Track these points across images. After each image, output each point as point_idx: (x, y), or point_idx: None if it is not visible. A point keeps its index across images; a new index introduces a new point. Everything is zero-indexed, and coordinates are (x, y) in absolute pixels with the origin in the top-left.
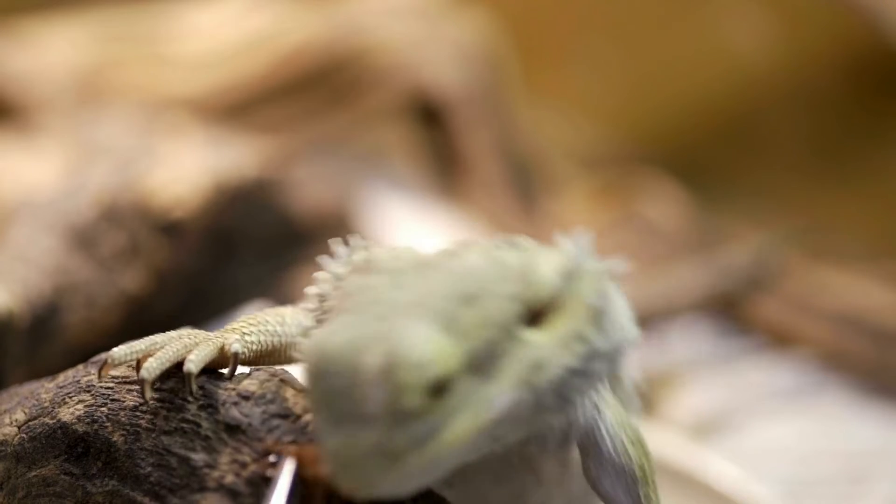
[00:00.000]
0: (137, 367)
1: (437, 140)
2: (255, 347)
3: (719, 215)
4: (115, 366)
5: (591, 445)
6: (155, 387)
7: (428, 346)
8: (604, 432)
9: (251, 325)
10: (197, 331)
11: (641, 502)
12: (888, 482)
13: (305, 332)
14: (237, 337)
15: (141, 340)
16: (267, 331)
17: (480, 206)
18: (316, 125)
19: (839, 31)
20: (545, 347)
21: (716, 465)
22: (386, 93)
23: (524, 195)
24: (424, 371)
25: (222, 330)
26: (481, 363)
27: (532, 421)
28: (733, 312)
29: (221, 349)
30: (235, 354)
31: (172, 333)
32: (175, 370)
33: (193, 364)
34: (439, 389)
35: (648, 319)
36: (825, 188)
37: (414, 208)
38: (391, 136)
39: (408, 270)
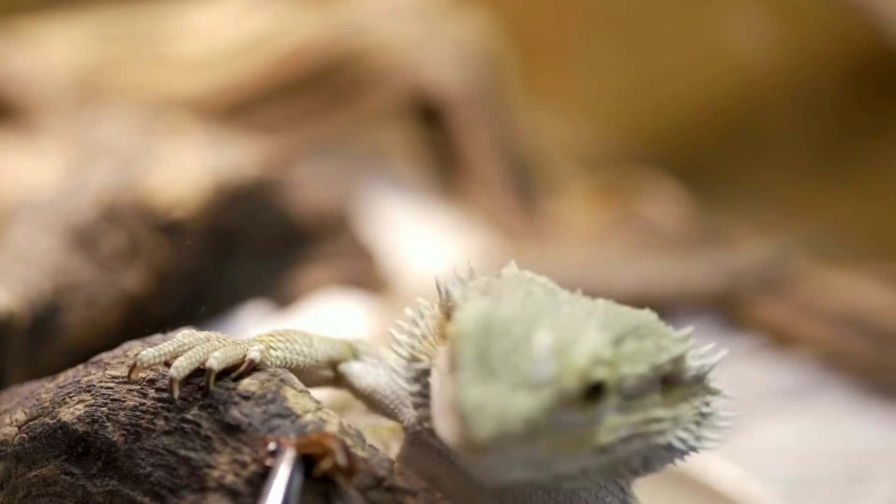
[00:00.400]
0: (167, 367)
1: (437, 140)
2: (278, 363)
3: (719, 215)
4: (145, 368)
5: None
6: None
7: (602, 348)
8: None
9: (279, 341)
10: (225, 335)
11: None
12: (888, 482)
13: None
14: (261, 347)
15: (169, 342)
16: (294, 349)
17: (480, 206)
18: (316, 125)
19: (839, 31)
20: (664, 411)
21: (716, 465)
22: (386, 93)
23: (524, 195)
24: (595, 364)
25: (250, 338)
26: (624, 392)
27: (609, 474)
28: (733, 312)
29: (245, 356)
30: (252, 360)
31: (200, 335)
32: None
33: (216, 361)
34: (596, 392)
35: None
36: (825, 188)
37: (414, 208)
38: (391, 136)
39: (558, 291)
